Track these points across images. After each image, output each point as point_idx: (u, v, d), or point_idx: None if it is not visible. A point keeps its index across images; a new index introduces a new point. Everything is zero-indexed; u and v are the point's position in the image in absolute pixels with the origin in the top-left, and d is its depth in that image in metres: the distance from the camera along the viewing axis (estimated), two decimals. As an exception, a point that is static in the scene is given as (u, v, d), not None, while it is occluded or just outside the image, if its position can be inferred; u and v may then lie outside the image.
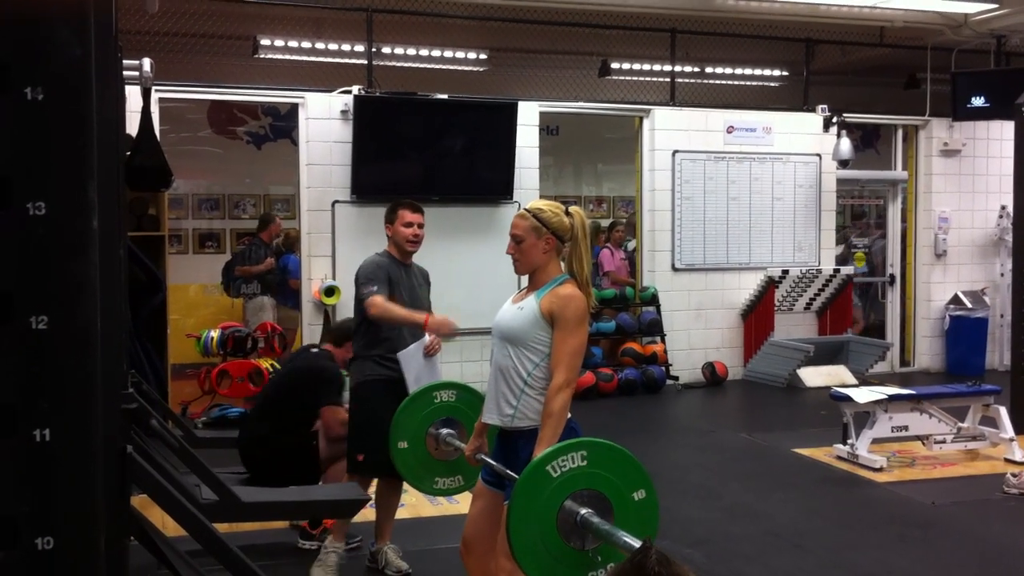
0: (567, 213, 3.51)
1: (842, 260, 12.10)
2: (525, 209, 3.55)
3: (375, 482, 4.99)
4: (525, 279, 3.64)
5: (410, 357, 4.85)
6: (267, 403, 5.60)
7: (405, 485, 4.81)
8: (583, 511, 2.90)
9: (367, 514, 4.89)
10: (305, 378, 5.50)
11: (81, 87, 1.57)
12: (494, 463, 3.55)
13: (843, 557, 5.30)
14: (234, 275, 10.57)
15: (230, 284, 10.75)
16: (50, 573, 1.56)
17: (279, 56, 10.40)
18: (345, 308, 9.41)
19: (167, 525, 4.00)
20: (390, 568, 4.97)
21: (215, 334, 8.83)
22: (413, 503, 5.98)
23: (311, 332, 9.52)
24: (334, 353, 5.58)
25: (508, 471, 3.38)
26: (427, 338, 4.86)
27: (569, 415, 3.46)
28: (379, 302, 4.75)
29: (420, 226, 4.98)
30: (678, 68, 11.04)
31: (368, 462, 4.81)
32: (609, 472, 2.96)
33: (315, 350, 5.82)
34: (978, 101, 10.94)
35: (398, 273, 4.94)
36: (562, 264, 3.54)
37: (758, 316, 11.01)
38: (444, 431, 4.12)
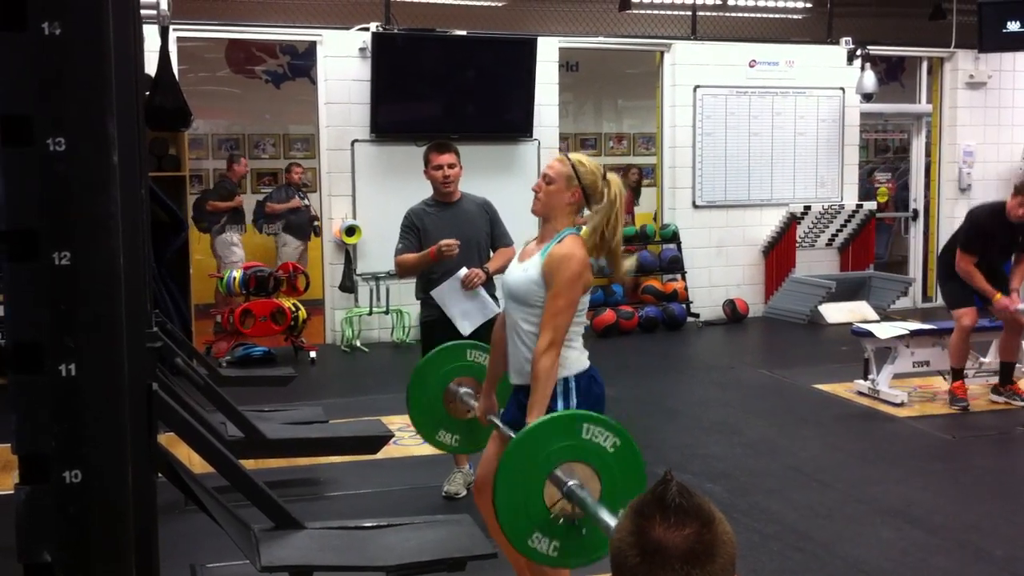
0: (604, 178, 3.48)
1: (865, 195, 11.99)
2: (567, 156, 3.53)
3: None
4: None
5: (446, 294, 4.91)
6: None
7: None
8: (572, 482, 2.84)
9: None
10: None
11: (98, 21, 1.56)
12: (502, 425, 3.54)
13: (864, 491, 5.33)
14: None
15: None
16: (79, 505, 1.59)
17: (296, -7, 10.29)
18: (366, 247, 9.43)
19: (194, 462, 4.06)
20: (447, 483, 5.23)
21: (237, 274, 8.86)
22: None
23: (332, 271, 9.56)
24: None
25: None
26: (462, 272, 4.89)
27: (589, 364, 3.47)
28: (397, 262, 5.07)
29: (451, 166, 5.05)
30: (699, 1, 10.88)
31: None
32: (622, 474, 2.91)
33: None
34: (1014, 26, 10.68)
35: (434, 218, 5.04)
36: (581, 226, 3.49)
37: (779, 252, 10.95)
38: (463, 389, 4.04)
